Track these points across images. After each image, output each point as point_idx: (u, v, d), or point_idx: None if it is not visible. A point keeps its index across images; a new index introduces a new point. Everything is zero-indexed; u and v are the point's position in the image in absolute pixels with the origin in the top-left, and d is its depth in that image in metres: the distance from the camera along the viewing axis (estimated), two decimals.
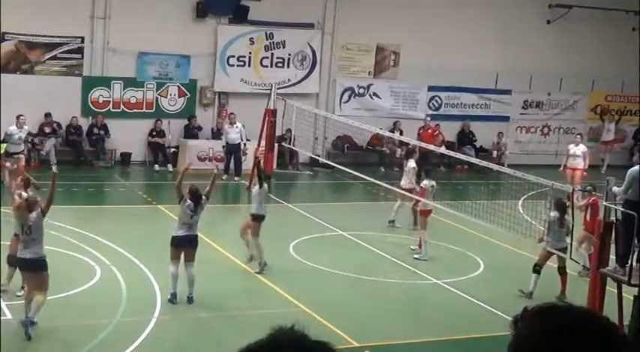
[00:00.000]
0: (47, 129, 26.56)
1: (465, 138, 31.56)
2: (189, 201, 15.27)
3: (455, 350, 14.21)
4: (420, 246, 19.13)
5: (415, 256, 18.95)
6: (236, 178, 26.48)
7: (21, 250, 13.40)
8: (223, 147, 27.01)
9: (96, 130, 26.76)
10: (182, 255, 15.31)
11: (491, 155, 30.54)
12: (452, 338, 14.33)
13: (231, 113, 27.50)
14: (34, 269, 13.34)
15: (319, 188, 28.57)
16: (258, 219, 17.17)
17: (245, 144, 26.98)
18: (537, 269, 16.61)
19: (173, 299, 14.92)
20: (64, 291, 15.11)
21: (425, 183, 19.75)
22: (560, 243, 16.48)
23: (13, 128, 23.25)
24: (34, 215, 13.39)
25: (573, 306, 2.48)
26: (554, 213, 16.51)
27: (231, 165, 26.92)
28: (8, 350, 12.66)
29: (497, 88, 32.67)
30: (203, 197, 15.39)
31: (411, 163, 21.57)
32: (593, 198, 17.32)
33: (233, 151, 26.89)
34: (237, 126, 26.97)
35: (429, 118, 30.38)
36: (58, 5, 26.45)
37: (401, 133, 28.80)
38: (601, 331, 2.41)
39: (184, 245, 15.28)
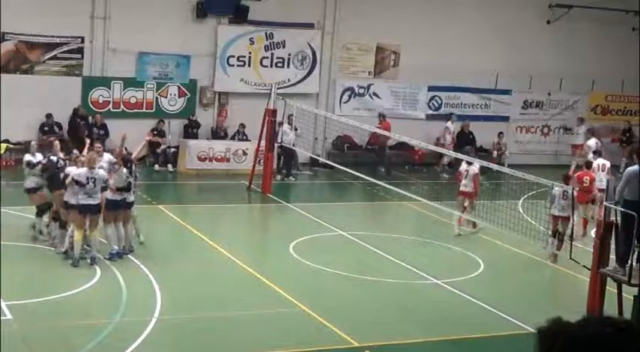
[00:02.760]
0: (46, 129, 26.58)
1: (465, 139, 31.54)
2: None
3: (455, 350, 14.20)
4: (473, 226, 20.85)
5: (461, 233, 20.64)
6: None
7: (86, 199, 16.29)
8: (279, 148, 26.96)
9: (95, 130, 26.72)
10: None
11: (490, 155, 30.53)
12: (452, 338, 14.31)
13: (290, 114, 27.02)
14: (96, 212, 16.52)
15: (319, 188, 28.56)
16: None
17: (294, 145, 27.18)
18: (554, 233, 18.70)
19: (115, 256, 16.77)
20: (64, 291, 15.12)
21: (462, 167, 21.19)
22: (563, 212, 18.57)
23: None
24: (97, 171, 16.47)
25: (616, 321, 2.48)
26: (558, 187, 18.70)
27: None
28: (8, 351, 12.66)
29: (497, 88, 32.66)
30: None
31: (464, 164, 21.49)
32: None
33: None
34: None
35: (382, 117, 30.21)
36: (58, 5, 26.44)
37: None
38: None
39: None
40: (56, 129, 26.74)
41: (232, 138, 28.47)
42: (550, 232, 18.73)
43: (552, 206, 18.87)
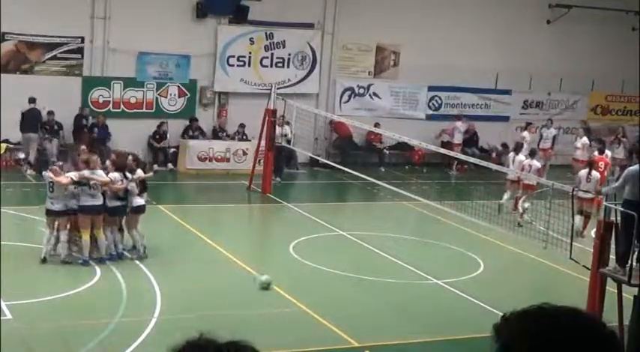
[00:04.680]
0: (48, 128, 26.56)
1: (470, 140, 31.57)
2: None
3: (454, 350, 14.21)
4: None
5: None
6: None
7: (89, 200, 16.51)
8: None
9: (97, 130, 26.71)
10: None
11: (490, 155, 30.54)
12: (451, 338, 14.32)
13: (282, 115, 26.59)
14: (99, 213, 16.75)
15: (319, 188, 28.55)
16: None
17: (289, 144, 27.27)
18: (580, 212, 20.14)
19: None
20: (64, 291, 15.14)
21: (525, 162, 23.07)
22: (587, 194, 20.03)
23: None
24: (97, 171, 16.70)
25: (559, 306, 2.46)
26: (583, 170, 21.15)
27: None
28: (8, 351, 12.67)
29: (498, 88, 32.67)
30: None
31: (520, 157, 23.57)
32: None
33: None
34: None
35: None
36: (57, 5, 26.44)
37: None
38: (589, 328, 2.39)
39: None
40: (56, 127, 26.70)
41: (232, 138, 28.45)
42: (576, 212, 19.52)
43: (578, 188, 19.48)
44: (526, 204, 22.62)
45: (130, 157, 17.91)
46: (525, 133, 30.16)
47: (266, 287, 15.87)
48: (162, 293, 15.24)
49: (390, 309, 15.60)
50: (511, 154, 24.44)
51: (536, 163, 23.31)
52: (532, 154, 23.85)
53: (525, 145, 28.84)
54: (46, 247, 16.62)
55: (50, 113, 26.47)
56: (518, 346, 2.39)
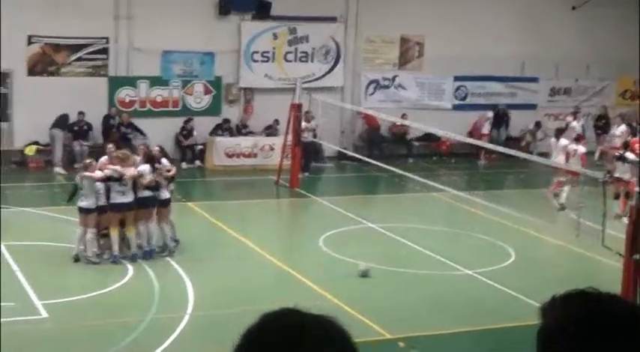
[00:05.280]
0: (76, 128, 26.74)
1: (501, 121, 31.56)
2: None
3: (487, 340, 14.17)
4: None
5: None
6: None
7: (119, 197, 16.55)
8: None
9: (123, 129, 26.84)
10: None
11: (519, 143, 30.41)
12: (484, 328, 14.28)
13: (307, 111, 26.57)
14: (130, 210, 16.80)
15: (347, 181, 28.54)
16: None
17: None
18: (617, 195, 20.88)
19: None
20: (97, 289, 15.24)
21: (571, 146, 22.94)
22: (624, 175, 20.36)
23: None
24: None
25: (602, 292, 2.46)
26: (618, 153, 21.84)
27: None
28: (44, 350, 12.78)
29: (524, 75, 32.48)
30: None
31: (563, 141, 23.43)
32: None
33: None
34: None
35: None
36: (81, 6, 26.58)
37: None
38: (632, 316, 2.39)
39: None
40: (85, 127, 26.87)
41: (267, 134, 28.53)
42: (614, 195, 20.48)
43: (612, 174, 19.48)
44: (564, 192, 22.39)
45: (157, 148, 18.04)
46: (490, 113, 30.29)
47: (365, 274, 16.37)
48: (194, 289, 15.31)
49: (421, 300, 15.58)
50: (553, 140, 24.28)
51: (582, 148, 22.94)
52: (578, 140, 23.59)
53: (489, 125, 28.98)
54: (77, 246, 16.71)
55: (80, 113, 26.62)
56: (563, 329, 2.39)
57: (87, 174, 16.66)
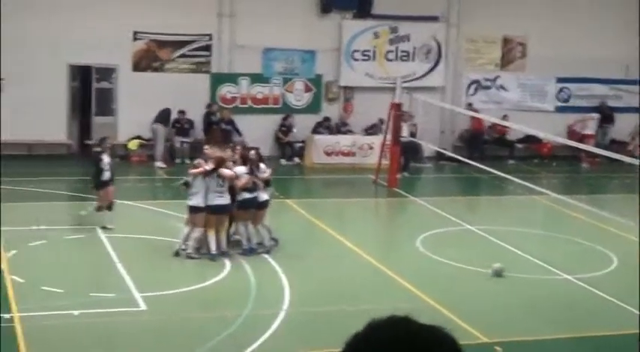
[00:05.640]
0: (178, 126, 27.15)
1: (606, 122, 31.04)
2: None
3: (586, 347, 13.88)
4: None
5: None
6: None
7: (216, 199, 16.68)
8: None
9: (223, 125, 27.14)
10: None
11: (625, 147, 29.77)
12: (584, 335, 14.01)
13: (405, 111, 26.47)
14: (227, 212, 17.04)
15: (446, 182, 28.36)
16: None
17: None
18: None
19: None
20: (195, 284, 15.42)
21: None
22: None
23: None
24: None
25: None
26: None
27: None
28: (143, 344, 12.99)
29: (629, 78, 31.78)
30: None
31: None
32: None
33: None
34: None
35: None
36: (186, 3, 26.99)
37: None
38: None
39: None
40: (186, 126, 27.27)
41: (369, 132, 28.54)
42: None
43: None
44: None
45: (252, 152, 18.10)
46: (595, 114, 29.67)
47: (499, 274, 16.38)
48: (290, 286, 15.37)
49: (519, 305, 15.36)
50: None
51: None
52: None
53: (595, 126, 28.28)
54: (182, 242, 16.93)
55: (181, 112, 27.01)
56: None
57: (193, 171, 16.88)
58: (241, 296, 14.73)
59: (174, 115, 27.12)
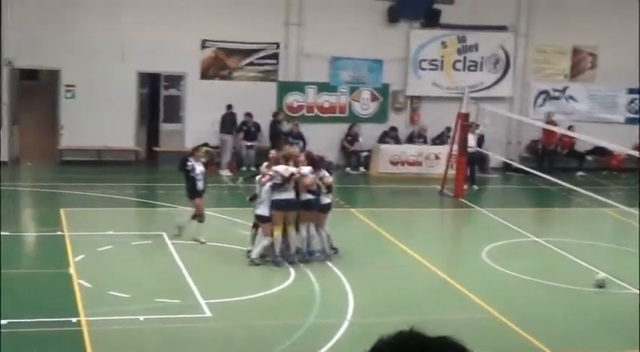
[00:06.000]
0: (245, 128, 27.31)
1: None
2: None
3: None
4: None
5: None
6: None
7: (281, 194, 16.69)
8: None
9: (291, 139, 27.22)
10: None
11: None
12: None
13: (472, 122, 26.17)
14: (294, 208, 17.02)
15: (512, 193, 28.11)
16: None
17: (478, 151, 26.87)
18: None
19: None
20: (260, 291, 15.48)
21: None
22: None
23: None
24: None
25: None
26: None
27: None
28: (206, 351, 13.08)
29: None
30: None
31: None
32: None
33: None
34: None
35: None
36: (254, 13, 27.17)
37: None
38: None
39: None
40: (253, 129, 27.40)
41: (435, 142, 28.43)
42: None
43: None
44: None
45: (320, 156, 18.15)
46: None
47: (602, 285, 16.29)
48: (354, 295, 15.35)
49: (585, 318, 15.15)
50: None
51: None
52: None
53: None
54: (252, 249, 17.01)
55: (248, 115, 27.16)
56: None
57: (258, 178, 16.97)
58: (305, 305, 14.75)
59: (240, 118, 27.24)
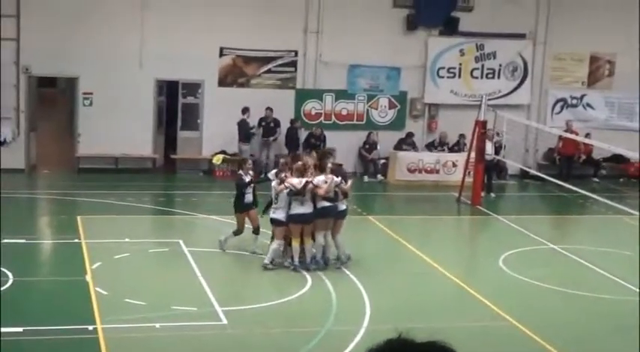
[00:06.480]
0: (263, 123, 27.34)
1: None
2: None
3: None
4: None
5: None
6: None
7: (298, 208, 16.80)
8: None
9: (313, 141, 27.28)
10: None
11: None
12: None
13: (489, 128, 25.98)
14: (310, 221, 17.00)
15: (530, 200, 28.02)
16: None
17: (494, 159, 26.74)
18: None
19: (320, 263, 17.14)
20: (276, 299, 15.49)
21: None
22: None
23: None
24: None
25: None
26: None
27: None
28: None
29: None
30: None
31: None
32: None
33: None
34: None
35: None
36: (272, 20, 27.21)
37: None
38: None
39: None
40: (272, 124, 27.41)
41: (452, 149, 28.37)
42: None
43: None
44: None
45: (330, 165, 18.01)
46: None
47: None
48: (371, 303, 15.33)
49: (603, 326, 15.08)
50: None
51: None
52: None
53: None
54: (270, 255, 17.04)
55: (269, 109, 27.14)
56: None
57: (278, 188, 16.93)
58: (322, 312, 14.75)
59: (261, 114, 27.18)
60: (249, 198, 17.93)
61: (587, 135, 27.92)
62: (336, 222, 17.38)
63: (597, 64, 30.36)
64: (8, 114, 26.11)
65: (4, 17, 25.52)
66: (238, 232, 18.07)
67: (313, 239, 17.19)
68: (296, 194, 16.78)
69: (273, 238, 17.30)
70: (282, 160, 18.31)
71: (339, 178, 17.44)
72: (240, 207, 18.00)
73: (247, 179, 17.90)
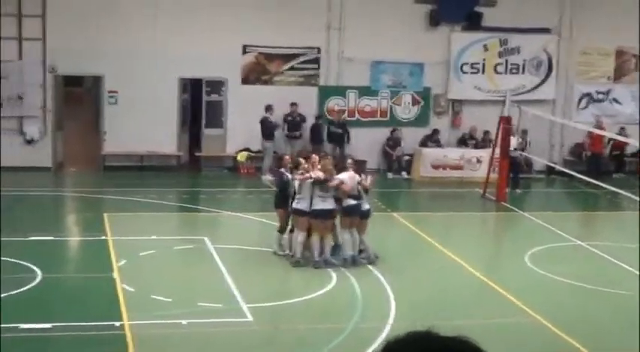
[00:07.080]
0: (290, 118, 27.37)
1: None
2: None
3: None
4: None
5: None
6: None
7: (320, 203, 16.76)
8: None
9: (333, 128, 27.31)
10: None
11: None
12: None
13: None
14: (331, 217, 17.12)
15: (556, 196, 27.91)
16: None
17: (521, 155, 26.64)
18: None
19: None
20: (301, 295, 15.52)
21: None
22: None
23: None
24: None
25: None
26: None
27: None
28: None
29: None
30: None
31: None
32: None
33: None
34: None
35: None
36: (295, 17, 27.21)
37: None
38: None
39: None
40: (298, 119, 27.43)
41: (476, 146, 28.27)
42: None
43: None
44: None
45: (350, 160, 18.11)
46: None
47: None
48: (396, 299, 15.32)
49: (627, 322, 14.95)
50: None
51: None
52: None
53: None
54: (294, 250, 17.07)
55: (293, 104, 27.17)
56: None
57: (298, 176, 16.99)
58: (347, 309, 14.76)
59: (284, 111, 27.24)
60: (291, 193, 17.67)
61: (622, 130, 27.74)
62: (362, 222, 17.38)
63: (623, 58, 30.15)
64: (35, 113, 26.30)
65: (31, 17, 25.71)
66: (282, 229, 17.90)
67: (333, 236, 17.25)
68: (321, 182, 16.75)
69: (293, 230, 17.30)
70: (285, 158, 18.28)
71: (362, 175, 17.49)
72: (282, 204, 17.78)
73: (289, 175, 17.78)
